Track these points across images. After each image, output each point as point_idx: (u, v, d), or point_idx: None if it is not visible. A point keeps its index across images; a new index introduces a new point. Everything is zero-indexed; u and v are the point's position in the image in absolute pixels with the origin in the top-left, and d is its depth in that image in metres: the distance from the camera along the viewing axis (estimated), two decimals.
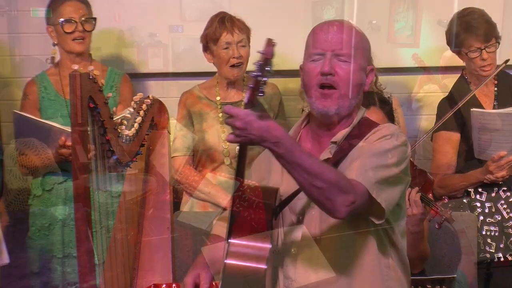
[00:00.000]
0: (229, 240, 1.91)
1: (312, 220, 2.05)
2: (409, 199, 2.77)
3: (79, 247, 2.22)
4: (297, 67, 2.15)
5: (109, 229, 2.60)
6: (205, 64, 3.40)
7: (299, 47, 2.17)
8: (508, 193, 3.29)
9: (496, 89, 3.42)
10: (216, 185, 3.28)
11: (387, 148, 1.99)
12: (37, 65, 3.63)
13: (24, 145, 3.04)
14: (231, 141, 1.84)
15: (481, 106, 3.34)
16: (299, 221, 2.08)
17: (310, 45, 2.10)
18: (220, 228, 2.14)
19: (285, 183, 2.06)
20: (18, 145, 3.10)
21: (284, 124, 3.30)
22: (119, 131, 2.42)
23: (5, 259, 2.65)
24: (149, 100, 2.57)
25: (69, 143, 2.80)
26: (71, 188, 2.76)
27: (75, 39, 3.19)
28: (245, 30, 3.27)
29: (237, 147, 1.98)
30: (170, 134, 2.79)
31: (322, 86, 2.05)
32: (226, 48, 3.22)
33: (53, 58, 3.32)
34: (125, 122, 2.48)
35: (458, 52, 3.35)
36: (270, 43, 1.79)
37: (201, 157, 3.32)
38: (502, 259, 3.25)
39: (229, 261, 1.88)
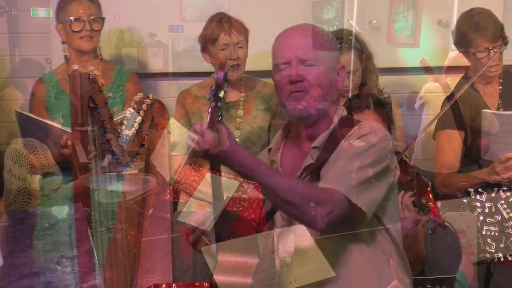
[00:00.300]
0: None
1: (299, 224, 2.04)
2: (401, 203, 2.76)
3: (79, 247, 2.22)
4: None
5: (109, 229, 2.60)
6: (205, 64, 3.40)
7: None
8: (508, 193, 3.29)
9: (501, 87, 3.42)
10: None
11: (364, 148, 1.97)
12: (37, 65, 3.63)
13: (33, 144, 3.03)
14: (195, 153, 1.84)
15: (486, 106, 3.35)
16: (289, 225, 2.08)
17: (275, 55, 2.09)
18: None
19: None
20: (25, 143, 3.09)
21: (283, 124, 3.29)
22: (119, 131, 2.43)
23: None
24: (149, 100, 2.57)
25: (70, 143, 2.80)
26: None
27: (82, 38, 3.20)
28: (243, 31, 3.26)
29: None
30: (170, 134, 2.79)
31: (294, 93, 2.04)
32: (224, 49, 3.22)
33: (65, 56, 3.32)
34: (125, 122, 2.48)
35: (465, 52, 3.36)
36: (221, 68, 1.80)
37: None
38: (502, 259, 3.24)
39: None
